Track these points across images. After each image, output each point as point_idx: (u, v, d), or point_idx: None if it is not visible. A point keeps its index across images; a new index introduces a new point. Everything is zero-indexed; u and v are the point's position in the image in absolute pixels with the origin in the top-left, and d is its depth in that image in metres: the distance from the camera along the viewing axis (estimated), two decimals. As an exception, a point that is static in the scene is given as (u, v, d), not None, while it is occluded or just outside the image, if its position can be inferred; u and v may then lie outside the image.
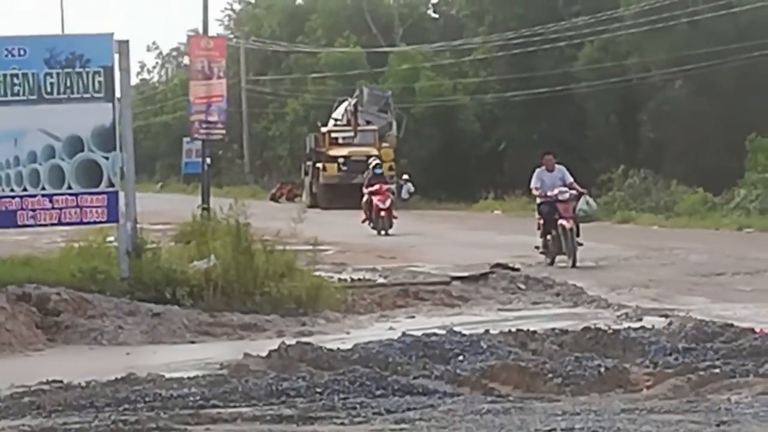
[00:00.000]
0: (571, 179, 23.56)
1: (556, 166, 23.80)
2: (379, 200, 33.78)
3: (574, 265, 21.78)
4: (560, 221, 22.26)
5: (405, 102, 55.69)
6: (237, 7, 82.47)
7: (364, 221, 34.71)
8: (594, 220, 24.73)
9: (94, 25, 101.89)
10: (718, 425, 8.70)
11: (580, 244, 22.54)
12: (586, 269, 21.59)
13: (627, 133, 49.34)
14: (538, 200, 23.68)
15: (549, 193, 22.95)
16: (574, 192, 23.28)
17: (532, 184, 23.66)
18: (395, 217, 34.24)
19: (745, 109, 43.83)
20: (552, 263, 22.51)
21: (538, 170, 23.67)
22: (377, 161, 36.97)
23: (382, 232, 33.17)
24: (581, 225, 23.07)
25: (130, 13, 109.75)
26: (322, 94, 61.93)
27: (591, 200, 24.42)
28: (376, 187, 34.35)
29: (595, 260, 22.79)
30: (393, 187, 36.52)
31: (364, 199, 34.85)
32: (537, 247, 23.23)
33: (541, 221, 23.01)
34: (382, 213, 33.63)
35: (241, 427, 8.98)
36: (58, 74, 15.60)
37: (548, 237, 22.76)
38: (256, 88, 69.39)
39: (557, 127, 52.76)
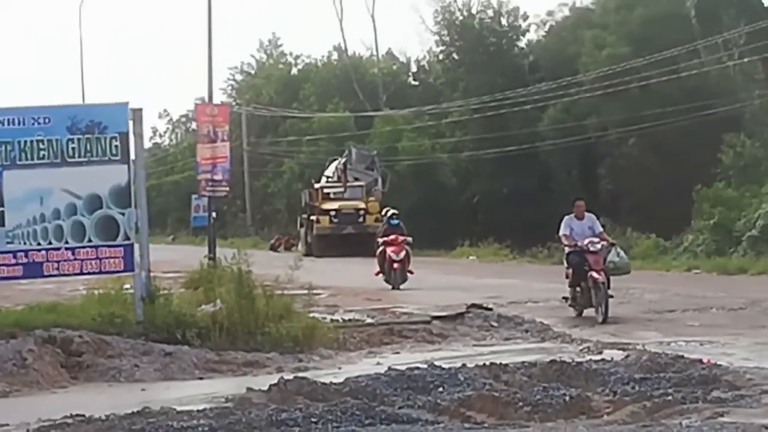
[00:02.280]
0: (600, 228, 20.67)
1: (586, 214, 20.69)
2: (393, 251, 28.10)
3: (604, 320, 18.60)
4: (591, 273, 19.03)
5: (389, 160, 55.73)
6: (239, 77, 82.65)
7: (377, 274, 28.74)
8: (624, 273, 20.78)
9: (111, 93, 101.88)
10: (670, 448, 8.75)
11: (611, 296, 19.31)
12: (552, 308, 21.47)
13: (587, 185, 49.37)
14: (567, 249, 20.54)
15: (579, 243, 19.75)
16: (605, 243, 20.07)
17: (561, 232, 20.45)
18: (410, 272, 28.55)
19: (691, 164, 44.02)
20: (580, 315, 19.70)
21: (567, 218, 20.58)
22: (394, 211, 30.64)
23: (394, 287, 27.72)
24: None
25: (144, 82, 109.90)
26: (315, 154, 62.00)
27: (621, 252, 21.00)
28: (392, 237, 28.62)
29: (560, 300, 22.74)
30: (410, 239, 29.66)
31: (379, 249, 29.09)
32: (565, 298, 20.35)
33: (570, 271, 19.95)
34: (395, 265, 28.00)
35: (244, 454, 8.97)
36: (78, 140, 15.60)
37: (577, 289, 19.66)
38: (256, 149, 69.39)
39: (525, 181, 52.97)
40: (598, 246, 19.50)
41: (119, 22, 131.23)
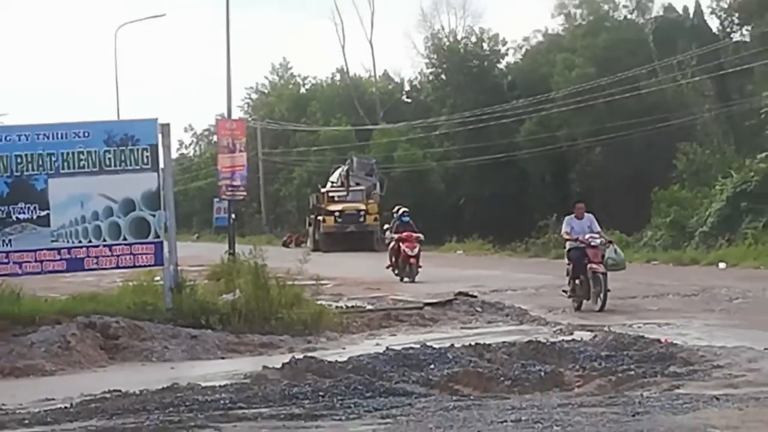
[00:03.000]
0: (598, 228, 19.45)
1: (585, 214, 19.55)
2: (407, 247, 26.77)
3: (601, 309, 17.93)
4: (591, 266, 18.22)
5: (386, 167, 55.75)
6: (254, 96, 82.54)
7: (388, 267, 27.90)
8: (621, 269, 19.58)
9: (142, 109, 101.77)
10: (633, 416, 8.77)
11: (608, 290, 18.38)
12: (529, 295, 21.47)
13: (559, 188, 49.40)
14: (568, 245, 19.50)
15: (580, 238, 18.80)
16: (604, 239, 19.31)
17: (563, 230, 19.55)
18: (420, 267, 27.26)
19: (650, 169, 43.99)
20: (579, 308, 18.59)
21: (568, 217, 19.69)
22: (405, 209, 28.93)
23: (406, 279, 26.68)
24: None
25: (171, 99, 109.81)
26: (321, 163, 62.00)
27: (618, 249, 19.82)
28: (405, 234, 27.24)
29: (536, 288, 22.73)
30: (422, 236, 28.39)
31: (391, 245, 28.03)
32: (565, 291, 19.25)
33: (570, 266, 18.98)
34: (411, 260, 26.69)
35: (260, 424, 8.98)
36: (114, 151, 15.60)
37: (576, 282, 18.64)
38: (270, 158, 69.30)
39: (505, 185, 52.93)
40: (598, 241, 18.70)
41: (151, 45, 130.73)
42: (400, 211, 28.53)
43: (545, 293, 22.02)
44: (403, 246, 26.89)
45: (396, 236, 27.43)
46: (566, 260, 19.51)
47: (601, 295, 17.95)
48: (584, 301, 18.63)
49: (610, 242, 19.69)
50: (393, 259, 27.65)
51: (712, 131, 45.12)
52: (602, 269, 18.14)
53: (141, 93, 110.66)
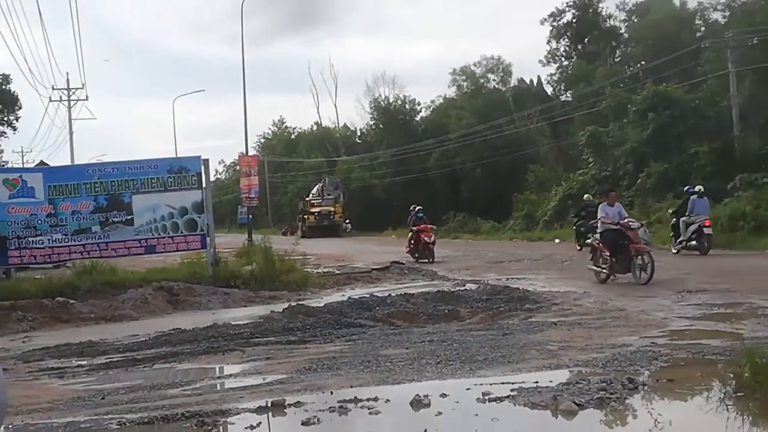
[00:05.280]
0: (626, 213, 14.92)
1: (616, 203, 14.95)
2: (425, 236, 22.53)
3: (649, 281, 13.36)
4: (635, 246, 13.90)
5: (346, 184, 55.60)
6: (262, 140, 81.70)
7: (408, 251, 23.30)
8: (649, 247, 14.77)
9: (192, 147, 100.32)
10: (503, 335, 8.86)
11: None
12: (438, 262, 21.52)
13: (455, 196, 49.40)
14: (601, 228, 14.61)
15: (620, 222, 14.26)
16: (639, 222, 15.08)
17: (600, 214, 14.73)
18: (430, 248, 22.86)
19: (511, 182, 44.06)
20: (605, 281, 14.18)
21: (601, 205, 14.96)
22: (420, 207, 24.51)
23: (426, 260, 21.99)
24: None
25: (210, 141, 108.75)
26: (305, 182, 61.73)
27: (647, 230, 16.23)
28: (422, 226, 23.10)
29: (442, 258, 22.86)
30: (435, 227, 24.63)
31: (410, 235, 23.63)
32: (594, 271, 14.69)
33: (602, 245, 14.38)
34: (430, 246, 22.40)
35: (269, 347, 8.95)
36: (174, 177, 15.48)
37: (613, 259, 14.10)
38: (273, 180, 68.80)
39: (421, 193, 52.59)
40: (636, 224, 14.44)
41: (196, 109, 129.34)
42: (416, 209, 24.13)
43: (448, 261, 22.11)
44: (422, 235, 22.73)
45: (414, 228, 23.23)
46: (596, 241, 14.87)
47: (648, 269, 13.51)
48: (612, 276, 14.25)
49: (642, 224, 15.37)
50: (411, 245, 23.24)
51: (549, 157, 45.56)
52: (647, 248, 14.07)
53: (191, 138, 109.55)
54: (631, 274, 13.87)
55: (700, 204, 20.18)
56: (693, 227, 20.04)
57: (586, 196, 26.68)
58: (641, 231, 14.48)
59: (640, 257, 13.64)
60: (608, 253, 14.08)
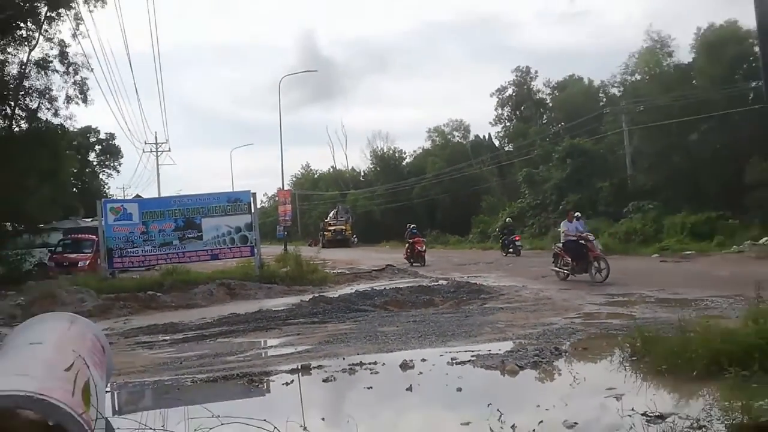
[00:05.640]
0: (586, 228, 13.92)
1: (575, 220, 13.67)
2: (418, 246, 21.50)
3: (604, 281, 12.30)
4: (594, 254, 12.86)
5: (354, 210, 55.47)
6: (294, 179, 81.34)
7: (405, 258, 22.08)
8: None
9: (245, 183, 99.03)
10: (465, 317, 8.82)
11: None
12: (421, 267, 21.17)
13: (431, 218, 48.93)
14: (563, 239, 13.49)
15: (581, 236, 13.18)
16: (593, 235, 13.73)
17: (563, 229, 13.66)
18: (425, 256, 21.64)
19: (470, 208, 43.95)
20: (566, 279, 13.23)
21: (563, 222, 13.94)
22: (414, 225, 23.56)
23: (419, 264, 20.85)
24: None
25: (258, 179, 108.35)
26: (325, 209, 61.56)
27: (598, 242, 14.20)
28: (416, 239, 21.96)
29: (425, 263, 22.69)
30: (425, 240, 23.35)
31: (407, 245, 22.46)
32: (556, 271, 13.73)
33: (565, 253, 13.30)
34: (422, 254, 21.29)
35: (299, 327, 8.87)
36: (231, 205, 15.51)
37: (574, 263, 13.03)
38: (302, 207, 68.67)
39: (406, 218, 52.24)
40: (592, 237, 13.30)
41: (247, 154, 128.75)
42: (411, 226, 23.31)
43: (429, 266, 21.86)
44: (416, 246, 21.68)
45: (411, 240, 22.16)
46: (559, 248, 13.67)
47: (605, 271, 12.51)
48: (572, 275, 13.20)
49: (596, 237, 14.33)
50: (408, 254, 22.10)
51: (497, 191, 45.43)
52: (603, 255, 13.06)
53: (243, 177, 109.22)
54: (587, 275, 12.91)
55: (580, 225, 18.91)
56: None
57: (507, 219, 27.27)
58: (596, 242, 13.52)
59: (597, 262, 12.79)
60: (570, 258, 13.18)
